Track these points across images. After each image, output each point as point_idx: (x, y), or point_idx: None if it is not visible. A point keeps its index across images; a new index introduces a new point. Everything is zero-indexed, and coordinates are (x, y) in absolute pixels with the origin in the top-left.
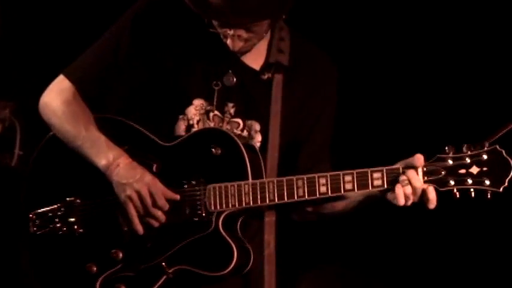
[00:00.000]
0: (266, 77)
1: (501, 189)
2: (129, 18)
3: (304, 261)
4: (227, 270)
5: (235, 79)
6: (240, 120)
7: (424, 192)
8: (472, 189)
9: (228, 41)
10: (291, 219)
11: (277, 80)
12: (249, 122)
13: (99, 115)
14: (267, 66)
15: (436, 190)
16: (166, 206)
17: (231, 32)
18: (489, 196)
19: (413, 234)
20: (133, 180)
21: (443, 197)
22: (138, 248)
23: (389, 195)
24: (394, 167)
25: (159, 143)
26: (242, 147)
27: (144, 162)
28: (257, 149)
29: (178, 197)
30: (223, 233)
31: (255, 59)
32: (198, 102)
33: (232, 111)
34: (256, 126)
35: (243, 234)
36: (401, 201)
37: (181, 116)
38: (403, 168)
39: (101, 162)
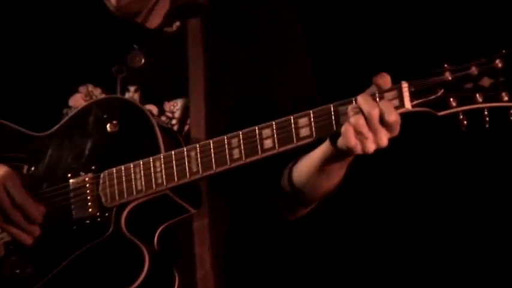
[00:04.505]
0: (175, 27)
1: None
2: None
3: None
4: (137, 283)
5: (143, 57)
6: (153, 107)
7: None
8: (485, 109)
9: None
10: (282, 219)
11: (192, 25)
12: (170, 104)
13: None
14: (175, 11)
15: (433, 117)
16: (32, 206)
17: None
18: None
19: None
20: None
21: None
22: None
23: (339, 142)
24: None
25: (32, 135)
26: (147, 112)
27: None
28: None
29: (41, 206)
30: (128, 234)
31: (160, 15)
32: (85, 90)
33: (136, 96)
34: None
35: (166, 250)
36: (352, 142)
37: (65, 110)
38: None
39: None
